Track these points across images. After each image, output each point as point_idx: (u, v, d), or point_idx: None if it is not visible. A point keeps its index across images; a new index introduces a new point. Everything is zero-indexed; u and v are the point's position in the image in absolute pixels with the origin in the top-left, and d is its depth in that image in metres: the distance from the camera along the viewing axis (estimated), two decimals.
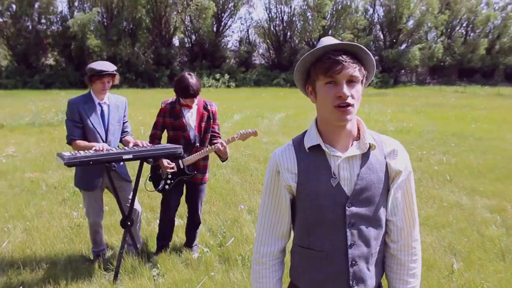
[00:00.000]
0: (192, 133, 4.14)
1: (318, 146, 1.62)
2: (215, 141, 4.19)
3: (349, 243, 1.61)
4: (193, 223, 4.46)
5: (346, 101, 1.51)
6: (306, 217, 1.66)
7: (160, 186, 4.18)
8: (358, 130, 1.66)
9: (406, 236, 1.71)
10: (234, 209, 5.76)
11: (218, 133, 4.30)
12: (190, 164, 4.16)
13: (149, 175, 4.28)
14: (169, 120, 4.13)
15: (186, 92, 3.92)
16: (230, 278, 3.87)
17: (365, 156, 1.62)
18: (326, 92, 1.54)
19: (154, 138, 4.23)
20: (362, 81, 1.58)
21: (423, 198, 6.25)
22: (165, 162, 4.05)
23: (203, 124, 4.16)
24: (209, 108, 4.18)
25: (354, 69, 1.51)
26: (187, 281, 3.83)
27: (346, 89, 1.50)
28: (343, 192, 1.60)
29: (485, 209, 5.82)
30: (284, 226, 1.73)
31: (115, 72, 3.93)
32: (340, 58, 1.49)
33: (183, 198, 4.42)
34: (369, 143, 1.62)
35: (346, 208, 1.59)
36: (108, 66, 3.89)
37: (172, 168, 4.09)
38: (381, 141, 1.68)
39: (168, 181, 4.16)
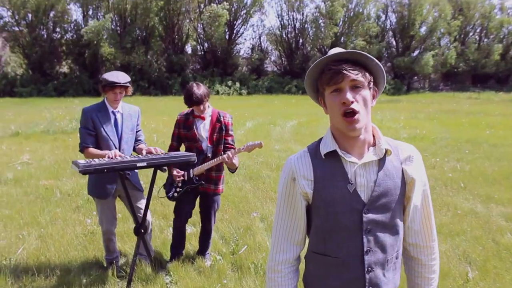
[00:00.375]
0: (205, 144, 4.18)
1: (334, 152, 1.63)
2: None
3: (365, 249, 1.62)
4: (205, 233, 4.47)
5: (351, 106, 1.53)
6: (322, 224, 1.66)
7: (170, 193, 4.23)
8: (374, 137, 1.67)
9: (425, 239, 1.76)
10: (246, 216, 5.76)
11: (232, 145, 4.29)
12: (201, 174, 4.18)
13: (165, 183, 4.33)
14: (183, 131, 4.21)
15: (190, 100, 4.03)
16: (243, 286, 3.87)
17: (381, 162, 1.63)
18: (332, 101, 1.57)
19: (171, 149, 4.30)
20: (369, 86, 1.59)
21: (437, 205, 6.19)
22: (175, 171, 4.11)
23: (215, 136, 4.19)
24: (221, 119, 4.22)
25: (356, 75, 1.54)
26: None
27: (349, 95, 1.53)
28: (360, 198, 1.60)
29: (501, 216, 5.75)
30: (299, 233, 1.73)
31: (127, 84, 3.96)
32: (340, 67, 1.53)
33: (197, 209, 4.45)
34: (385, 149, 1.63)
35: (363, 214, 1.60)
36: (120, 78, 3.93)
37: (181, 176, 4.13)
38: (396, 146, 1.68)
39: (178, 189, 4.20)
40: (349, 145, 1.62)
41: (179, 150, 4.30)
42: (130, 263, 4.08)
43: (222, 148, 4.24)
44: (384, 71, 1.63)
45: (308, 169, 1.66)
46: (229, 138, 4.28)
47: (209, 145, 4.19)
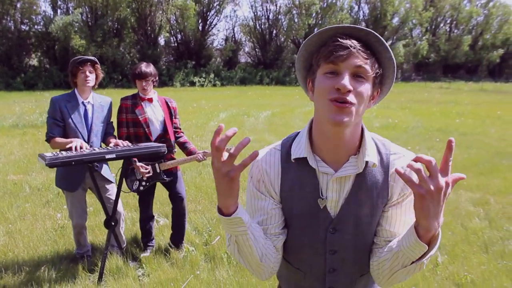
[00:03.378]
0: (154, 129, 4.15)
1: (306, 158, 1.35)
2: (191, 147, 4.27)
3: (328, 269, 1.43)
4: (180, 216, 4.39)
5: (345, 97, 1.18)
6: (287, 234, 1.45)
7: (135, 187, 4.17)
8: (361, 142, 1.34)
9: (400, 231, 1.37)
10: None
11: (180, 128, 4.38)
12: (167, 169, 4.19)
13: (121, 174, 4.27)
14: (131, 116, 4.12)
15: (134, 75, 4.06)
16: (216, 276, 3.86)
17: (360, 176, 1.33)
18: (324, 83, 1.23)
19: (122, 137, 4.15)
20: (374, 82, 1.26)
21: None
22: (142, 167, 4.05)
23: (167, 121, 4.20)
24: (169, 104, 4.25)
25: (365, 60, 1.21)
26: (172, 280, 3.80)
27: (347, 81, 1.18)
28: (329, 215, 1.35)
29: (469, 202, 5.88)
30: (273, 228, 1.41)
31: (95, 60, 3.90)
32: (349, 42, 1.20)
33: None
34: (367, 161, 1.32)
35: (328, 233, 1.37)
36: (86, 56, 3.89)
37: (149, 172, 4.11)
38: (388, 155, 1.35)
39: (143, 183, 4.16)
40: (327, 147, 1.32)
41: (129, 136, 4.21)
42: (101, 257, 4.02)
43: (172, 133, 4.26)
44: (395, 70, 1.30)
45: (276, 171, 1.39)
46: (177, 122, 4.35)
47: (158, 130, 4.17)
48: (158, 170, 4.12)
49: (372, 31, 1.23)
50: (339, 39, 1.21)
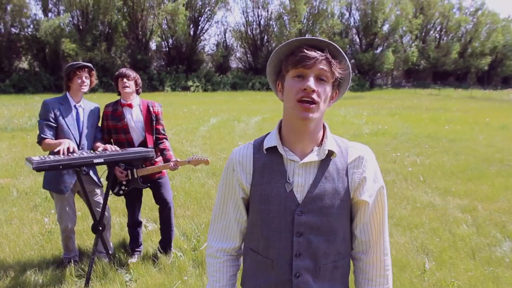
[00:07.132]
0: (135, 135, 4.14)
1: (276, 148, 1.55)
2: (167, 155, 4.19)
3: (294, 252, 1.53)
4: (165, 221, 4.38)
5: (311, 95, 1.42)
6: (256, 221, 1.60)
7: (115, 190, 4.19)
8: (324, 136, 1.58)
9: (374, 249, 1.62)
10: (208, 212, 5.73)
11: (163, 134, 4.30)
12: (145, 175, 4.17)
13: (107, 176, 4.27)
14: (111, 123, 4.12)
15: (116, 77, 4.12)
16: (204, 282, 3.84)
17: (323, 164, 1.53)
18: (292, 85, 1.46)
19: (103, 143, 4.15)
20: (333, 84, 1.49)
21: (397, 199, 6.32)
22: (118, 171, 4.06)
23: (146, 127, 4.17)
24: (151, 109, 4.20)
25: (326, 67, 1.44)
26: (160, 285, 3.78)
27: (312, 83, 1.41)
28: (295, 199, 1.52)
29: (457, 209, 5.92)
30: (237, 224, 1.67)
31: (92, 67, 3.94)
32: (313, 53, 1.42)
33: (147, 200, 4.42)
34: (328, 150, 1.53)
35: (295, 215, 1.52)
36: (84, 63, 3.93)
37: (125, 176, 4.11)
38: (347, 147, 1.58)
39: (123, 187, 4.18)
40: (294, 140, 1.53)
41: (111, 143, 4.18)
42: (89, 262, 3.98)
43: (153, 138, 4.22)
44: (351, 75, 1.56)
45: (248, 162, 1.59)
46: (160, 128, 4.27)
47: (140, 136, 4.15)
48: (136, 176, 4.12)
49: (332, 43, 1.46)
50: (305, 50, 1.43)
